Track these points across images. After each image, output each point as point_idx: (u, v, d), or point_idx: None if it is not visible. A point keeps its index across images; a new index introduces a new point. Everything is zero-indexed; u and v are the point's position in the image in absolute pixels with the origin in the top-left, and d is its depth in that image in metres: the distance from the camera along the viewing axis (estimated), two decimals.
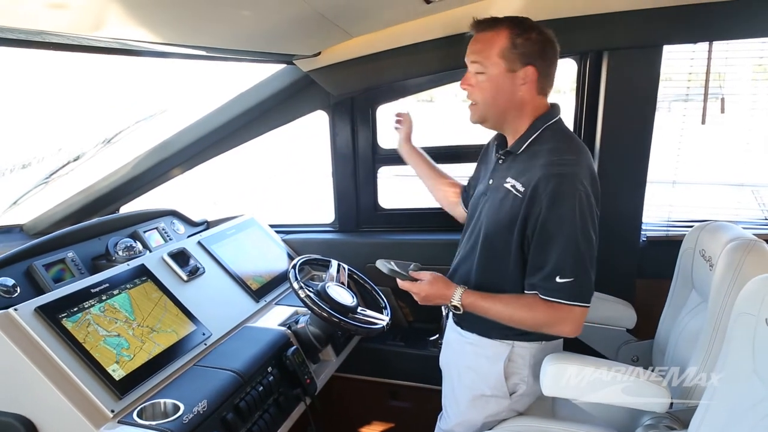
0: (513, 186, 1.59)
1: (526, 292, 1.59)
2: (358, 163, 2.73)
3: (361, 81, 2.39)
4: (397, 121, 2.21)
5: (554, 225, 1.49)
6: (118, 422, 1.46)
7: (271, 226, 2.81)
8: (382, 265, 1.74)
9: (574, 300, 1.51)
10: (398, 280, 1.74)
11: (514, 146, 1.66)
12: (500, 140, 1.78)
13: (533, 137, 1.63)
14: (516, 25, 1.57)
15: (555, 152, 1.57)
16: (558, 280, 1.50)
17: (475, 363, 1.77)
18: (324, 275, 2.16)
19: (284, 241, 2.78)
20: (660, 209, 2.54)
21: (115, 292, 1.78)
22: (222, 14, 1.55)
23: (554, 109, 1.67)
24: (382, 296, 2.28)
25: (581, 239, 1.50)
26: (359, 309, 2.04)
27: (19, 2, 1.14)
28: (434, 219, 2.65)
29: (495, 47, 1.56)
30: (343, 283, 2.14)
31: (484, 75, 1.59)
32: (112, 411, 1.47)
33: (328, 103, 2.62)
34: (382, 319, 2.08)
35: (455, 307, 1.65)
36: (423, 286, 1.68)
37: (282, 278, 2.50)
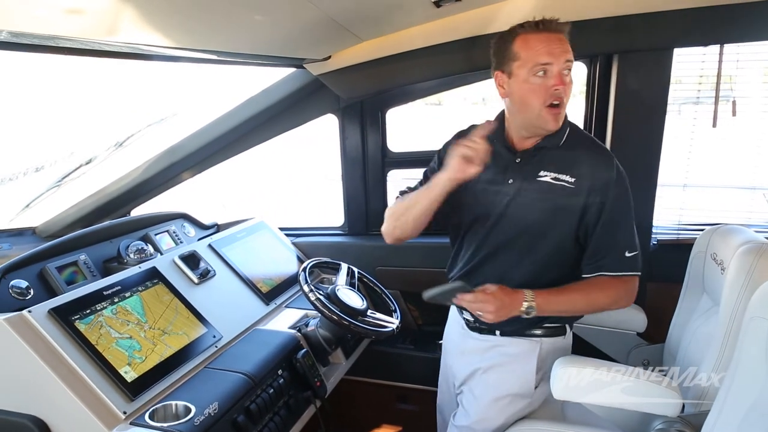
0: (555, 178, 1.61)
1: (586, 275, 1.64)
2: (367, 167, 2.74)
3: (371, 85, 2.40)
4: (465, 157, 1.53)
5: (621, 210, 1.61)
6: (130, 424, 1.47)
7: (281, 229, 2.82)
8: (433, 292, 1.54)
9: (637, 270, 1.64)
10: (466, 297, 1.55)
11: (549, 142, 1.64)
12: (501, 141, 1.70)
13: (567, 132, 1.66)
14: None
15: (597, 146, 1.66)
16: (627, 254, 1.62)
17: (500, 363, 1.77)
18: (334, 278, 2.17)
19: (294, 244, 2.79)
20: (671, 212, 2.52)
21: (126, 295, 1.80)
22: (233, 19, 1.56)
23: None
24: (392, 299, 2.28)
25: (634, 218, 1.64)
26: (369, 312, 2.04)
27: (33, 7, 1.16)
28: None
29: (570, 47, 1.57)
30: (353, 286, 2.14)
31: (570, 75, 1.58)
32: (124, 412, 1.48)
33: (337, 106, 2.63)
34: (392, 322, 2.08)
35: (527, 310, 1.57)
36: (497, 295, 1.55)
37: (292, 281, 2.50)
